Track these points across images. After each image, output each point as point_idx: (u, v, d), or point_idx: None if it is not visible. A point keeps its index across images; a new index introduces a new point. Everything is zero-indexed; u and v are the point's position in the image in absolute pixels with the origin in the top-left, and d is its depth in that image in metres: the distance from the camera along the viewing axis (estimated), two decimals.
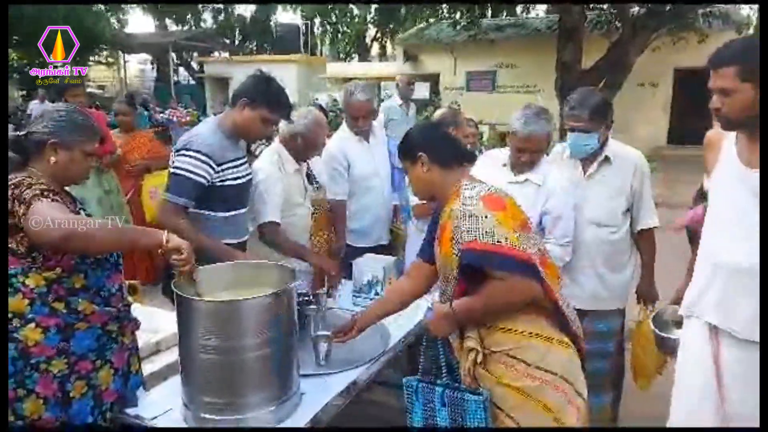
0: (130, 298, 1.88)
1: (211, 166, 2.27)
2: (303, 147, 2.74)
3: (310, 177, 2.97)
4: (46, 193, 1.57)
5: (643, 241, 2.62)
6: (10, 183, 1.59)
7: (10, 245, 1.58)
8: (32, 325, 1.59)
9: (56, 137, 1.68)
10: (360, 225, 3.27)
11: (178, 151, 2.29)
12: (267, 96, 2.34)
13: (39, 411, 1.60)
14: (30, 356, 1.59)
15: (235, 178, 2.38)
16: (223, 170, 2.32)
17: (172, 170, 2.27)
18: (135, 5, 23.80)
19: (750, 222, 1.63)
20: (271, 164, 2.71)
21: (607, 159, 2.50)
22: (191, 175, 2.24)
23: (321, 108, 4.27)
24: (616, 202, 2.51)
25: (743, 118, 1.63)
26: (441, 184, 1.81)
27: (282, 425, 1.71)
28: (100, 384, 1.70)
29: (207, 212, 2.35)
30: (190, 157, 2.24)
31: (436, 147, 1.82)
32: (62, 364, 1.63)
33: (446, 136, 1.94)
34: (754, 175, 1.62)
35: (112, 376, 1.74)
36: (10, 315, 1.59)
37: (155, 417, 1.75)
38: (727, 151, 1.74)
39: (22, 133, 1.68)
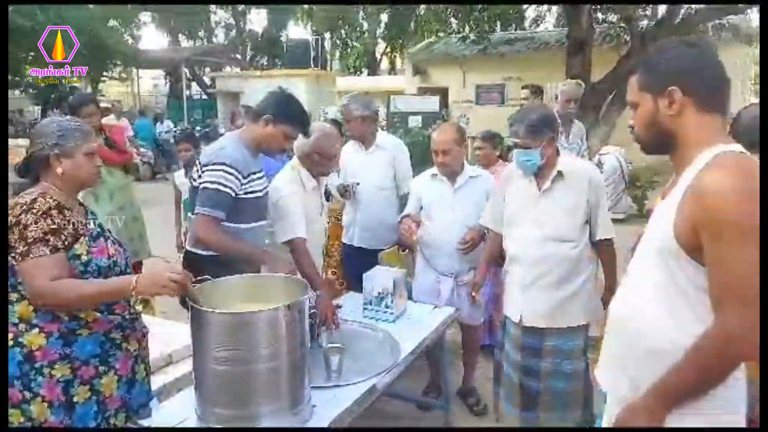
0: (138, 307, 1.91)
1: (238, 179, 2.32)
2: (320, 162, 2.76)
3: (327, 194, 3.04)
4: (47, 236, 1.63)
5: (603, 251, 2.58)
6: (24, 200, 1.65)
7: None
8: (36, 330, 1.66)
9: (57, 149, 1.74)
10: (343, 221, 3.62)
11: (205, 165, 2.33)
12: (290, 113, 2.43)
13: (45, 414, 1.66)
14: (34, 360, 1.65)
15: (257, 191, 2.43)
16: (247, 183, 2.38)
17: (203, 185, 2.31)
18: (148, 20, 24.18)
19: (641, 262, 1.41)
20: (291, 182, 2.74)
21: (560, 174, 2.47)
22: (222, 188, 2.28)
23: (334, 121, 4.32)
24: (573, 216, 2.47)
25: (648, 135, 1.38)
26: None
27: None
28: (103, 390, 1.74)
29: (228, 224, 2.38)
30: (220, 170, 2.29)
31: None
32: (66, 369, 1.68)
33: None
34: (661, 205, 1.38)
35: (116, 382, 1.77)
36: (16, 320, 1.66)
37: (169, 428, 1.76)
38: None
39: (25, 157, 1.76)
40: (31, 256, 1.62)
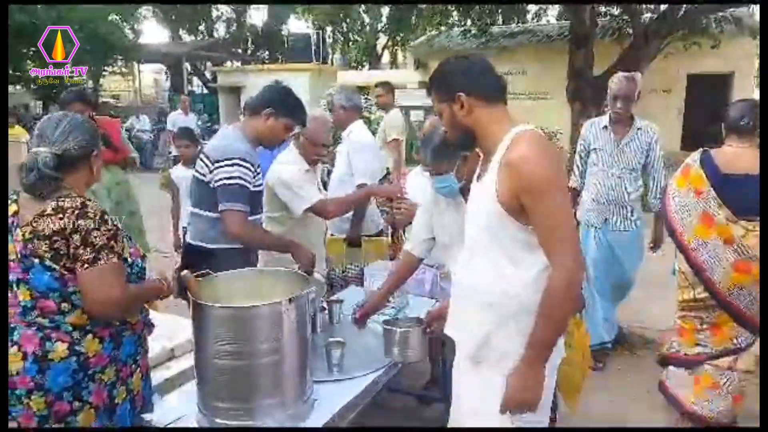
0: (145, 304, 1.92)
1: (251, 171, 2.37)
2: (308, 146, 2.86)
3: (326, 184, 3.09)
4: (111, 242, 1.59)
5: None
6: (72, 204, 1.57)
7: (71, 266, 1.57)
8: (90, 336, 1.62)
9: (97, 148, 1.72)
10: None
11: (219, 161, 2.34)
12: (290, 106, 2.50)
13: (90, 420, 1.62)
14: (89, 367, 1.61)
15: (256, 185, 2.46)
16: (257, 176, 2.43)
17: (223, 181, 2.31)
18: (149, 15, 24.14)
19: (470, 233, 1.69)
20: (291, 161, 2.86)
21: None
22: (243, 182, 2.33)
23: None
24: None
25: (455, 135, 1.70)
26: None
27: None
28: (133, 388, 1.74)
29: None
30: (238, 165, 2.32)
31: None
32: (112, 372, 1.67)
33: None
34: (477, 186, 1.69)
35: (141, 380, 1.78)
36: (69, 328, 1.59)
37: (170, 422, 1.77)
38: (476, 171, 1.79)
39: (58, 151, 1.62)
40: (102, 263, 1.56)
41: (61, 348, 1.58)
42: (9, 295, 1.60)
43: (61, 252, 1.55)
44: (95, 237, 1.55)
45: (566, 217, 1.52)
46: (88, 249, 1.55)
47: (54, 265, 1.56)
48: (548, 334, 1.53)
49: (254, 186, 2.41)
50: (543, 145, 1.54)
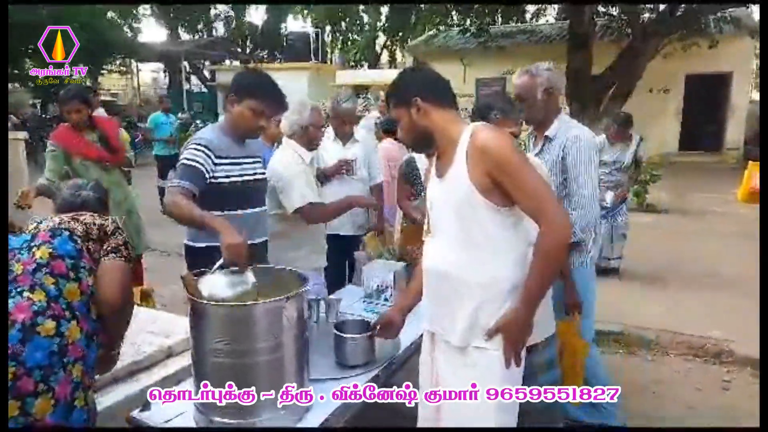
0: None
1: (208, 156, 2.34)
2: (314, 135, 2.97)
3: (320, 177, 3.32)
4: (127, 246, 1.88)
5: None
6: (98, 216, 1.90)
7: (94, 249, 1.81)
8: (74, 322, 1.64)
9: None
10: None
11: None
12: (251, 86, 2.39)
13: (47, 410, 1.56)
14: (65, 354, 1.60)
15: (230, 176, 2.40)
16: (220, 164, 2.37)
17: (178, 164, 2.37)
18: (147, 13, 24.09)
19: (442, 226, 1.81)
20: (290, 160, 2.88)
21: None
22: (191, 162, 2.33)
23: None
24: None
25: (413, 137, 1.83)
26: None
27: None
28: (89, 402, 1.69)
29: (217, 212, 2.36)
30: (190, 148, 2.37)
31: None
32: (79, 371, 1.64)
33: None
34: (442, 182, 1.79)
35: (93, 402, 1.75)
36: (64, 305, 1.64)
37: (167, 420, 1.77)
38: (431, 170, 1.94)
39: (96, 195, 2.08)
40: (121, 255, 1.82)
41: (50, 325, 1.59)
42: (26, 256, 1.69)
43: (92, 236, 1.79)
44: (118, 237, 1.85)
45: (543, 184, 1.66)
46: (112, 240, 1.83)
47: (80, 240, 1.76)
48: (541, 283, 1.68)
49: (225, 176, 2.37)
50: (502, 131, 1.74)
